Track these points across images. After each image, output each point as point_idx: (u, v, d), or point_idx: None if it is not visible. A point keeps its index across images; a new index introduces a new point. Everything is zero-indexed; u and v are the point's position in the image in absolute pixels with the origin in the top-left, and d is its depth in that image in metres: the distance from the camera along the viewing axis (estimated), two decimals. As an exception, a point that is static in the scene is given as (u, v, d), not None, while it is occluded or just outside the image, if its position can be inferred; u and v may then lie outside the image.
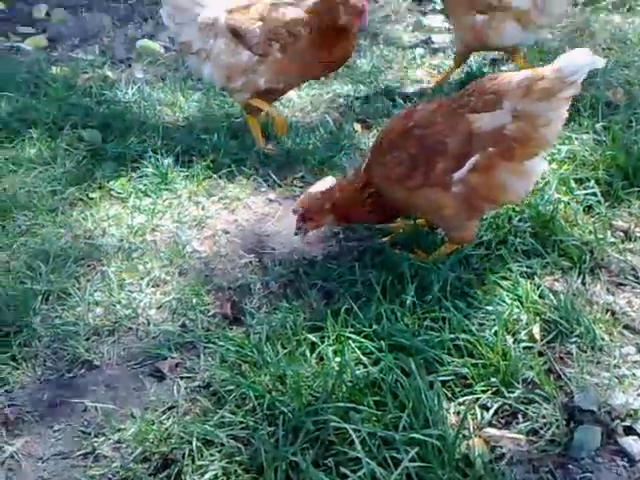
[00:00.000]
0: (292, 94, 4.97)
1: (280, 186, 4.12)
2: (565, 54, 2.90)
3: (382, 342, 2.85)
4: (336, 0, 3.92)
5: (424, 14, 6.14)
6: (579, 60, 2.85)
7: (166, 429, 2.68)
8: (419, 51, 5.47)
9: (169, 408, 2.80)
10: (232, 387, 2.81)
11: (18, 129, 4.58)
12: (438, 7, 6.14)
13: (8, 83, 4.98)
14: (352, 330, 2.93)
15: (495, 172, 2.99)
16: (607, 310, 3.09)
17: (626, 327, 3.02)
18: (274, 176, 4.16)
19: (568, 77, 2.84)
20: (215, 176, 4.17)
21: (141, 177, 4.15)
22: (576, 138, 4.14)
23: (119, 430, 2.71)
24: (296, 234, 3.43)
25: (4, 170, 4.23)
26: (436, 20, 5.98)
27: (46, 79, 5.02)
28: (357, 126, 4.56)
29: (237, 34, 4.17)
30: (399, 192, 3.16)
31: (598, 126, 4.21)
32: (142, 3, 6.66)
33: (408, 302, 3.08)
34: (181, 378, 2.94)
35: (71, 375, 3.01)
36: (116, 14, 6.44)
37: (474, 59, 5.20)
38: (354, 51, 4.61)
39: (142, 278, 3.46)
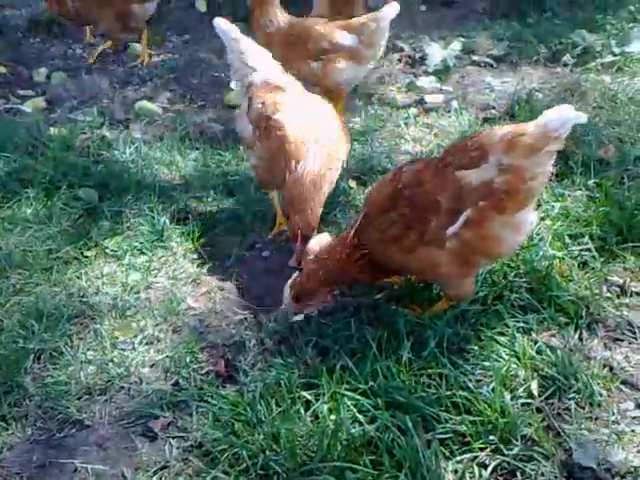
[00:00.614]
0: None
1: (275, 242, 4.13)
2: (550, 110, 2.95)
3: (378, 399, 2.82)
4: None
5: (417, 76, 6.24)
6: (563, 115, 2.91)
7: (157, 490, 2.62)
8: (412, 111, 5.54)
9: (161, 468, 2.76)
10: (225, 447, 2.78)
11: (15, 189, 4.60)
12: (430, 70, 6.27)
13: (6, 144, 5.03)
14: (348, 387, 2.91)
15: (487, 225, 3.01)
16: (605, 366, 3.07)
17: (624, 383, 2.99)
18: (270, 233, 4.18)
19: (553, 132, 2.90)
20: (211, 233, 4.18)
21: (137, 235, 4.15)
22: (569, 195, 4.17)
23: (109, 492, 2.65)
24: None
25: (0, 229, 4.24)
26: (429, 81, 6.08)
27: (44, 140, 5.07)
28: (352, 183, 4.59)
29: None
30: (394, 253, 3.17)
31: (590, 183, 4.25)
32: (141, 66, 6.79)
33: (404, 358, 3.06)
34: (173, 438, 2.90)
35: (62, 435, 2.97)
36: (115, 77, 6.54)
37: (468, 118, 5.28)
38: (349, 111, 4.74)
39: (135, 336, 3.44)
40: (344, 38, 5.25)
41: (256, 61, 4.33)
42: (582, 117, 2.93)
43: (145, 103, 5.94)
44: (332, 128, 3.93)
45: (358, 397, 2.86)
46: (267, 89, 4.14)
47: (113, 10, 6.49)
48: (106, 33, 6.96)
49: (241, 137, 4.37)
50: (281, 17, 5.49)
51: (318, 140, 3.78)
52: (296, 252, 3.62)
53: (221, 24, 4.45)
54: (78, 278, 3.85)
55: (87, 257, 4.03)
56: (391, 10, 5.10)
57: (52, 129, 5.38)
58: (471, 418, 2.78)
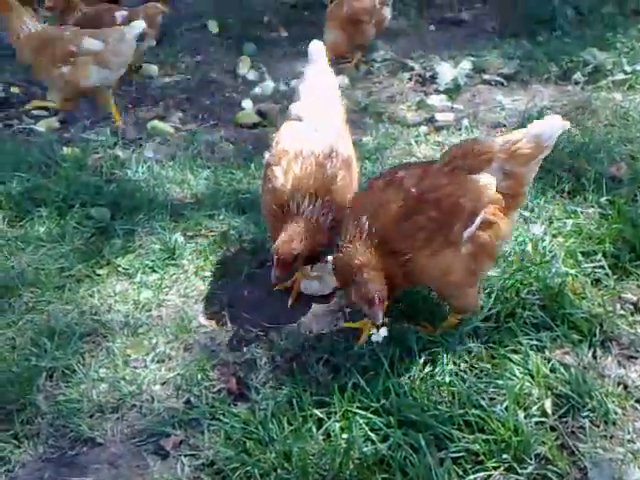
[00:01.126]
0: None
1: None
2: (539, 121, 3.28)
3: (391, 417, 2.81)
4: None
5: (427, 94, 6.26)
6: (553, 126, 3.23)
7: (169, 509, 2.61)
8: (423, 129, 5.55)
9: (173, 487, 2.74)
10: (237, 465, 2.77)
11: (28, 208, 4.63)
12: (441, 88, 6.29)
13: (20, 164, 5.07)
14: (359, 405, 2.89)
15: (496, 227, 3.17)
16: (619, 383, 3.05)
17: (639, 401, 2.96)
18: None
19: (545, 142, 3.21)
20: (222, 251, 4.18)
21: (148, 253, 4.17)
22: (581, 212, 4.16)
23: (121, 510, 2.64)
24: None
25: (12, 248, 4.26)
26: (439, 100, 6.10)
27: (57, 159, 5.11)
28: (363, 202, 4.59)
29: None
30: (420, 258, 3.12)
31: (603, 200, 4.23)
32: (153, 87, 6.85)
33: (416, 376, 3.04)
34: (185, 456, 2.89)
35: (73, 453, 2.96)
36: (128, 97, 6.61)
37: (478, 135, 5.28)
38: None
39: (147, 354, 3.44)
40: (91, 43, 5.78)
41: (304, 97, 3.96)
42: (566, 124, 3.29)
43: (157, 123, 5.98)
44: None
45: (370, 415, 2.85)
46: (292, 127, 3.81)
47: None
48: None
49: None
50: (32, 23, 5.97)
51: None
52: (273, 275, 3.50)
53: (316, 48, 4.16)
54: (90, 296, 3.86)
55: (99, 275, 4.04)
56: (135, 27, 5.93)
57: (65, 149, 5.42)
58: (484, 437, 2.76)
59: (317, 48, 4.13)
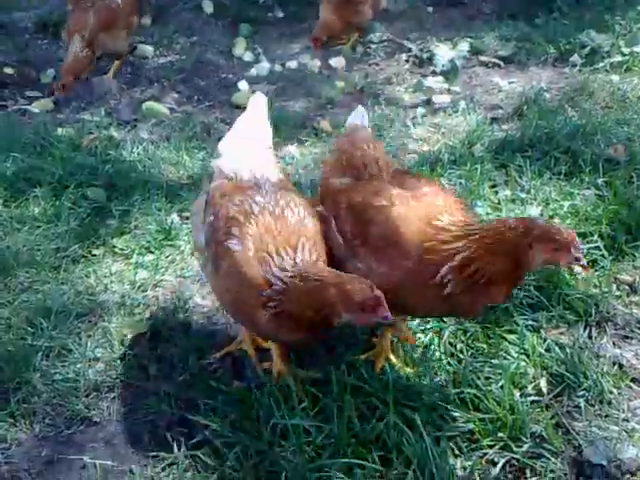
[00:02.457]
0: (294, 151, 5.03)
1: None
2: None
3: (387, 396, 2.80)
4: None
5: (424, 76, 6.23)
6: None
7: (165, 486, 2.62)
8: (420, 111, 5.52)
9: (169, 465, 2.75)
10: (233, 443, 2.76)
11: (23, 188, 4.61)
12: (438, 70, 6.26)
13: (14, 144, 5.04)
14: (356, 384, 2.89)
15: None
16: (614, 363, 3.06)
17: (634, 380, 2.99)
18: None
19: None
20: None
21: (144, 234, 4.16)
22: (578, 194, 4.16)
23: (117, 487, 2.65)
24: None
25: (8, 228, 4.24)
26: (436, 82, 6.07)
27: (52, 140, 5.07)
28: (359, 183, 4.58)
29: None
30: None
31: (600, 182, 4.23)
32: (148, 67, 6.81)
33: (412, 355, 3.05)
34: (181, 434, 2.89)
35: (70, 431, 2.97)
36: (123, 78, 6.56)
37: (475, 118, 5.26)
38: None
39: (144, 334, 3.44)
40: None
41: (230, 139, 3.33)
42: None
43: (152, 104, 5.94)
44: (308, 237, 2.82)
45: (367, 394, 2.85)
46: (227, 188, 3.05)
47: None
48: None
49: (194, 243, 3.40)
50: None
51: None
52: None
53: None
54: (86, 276, 3.86)
55: (95, 255, 4.03)
56: None
57: (60, 129, 5.40)
58: (480, 415, 2.77)
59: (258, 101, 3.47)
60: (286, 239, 2.76)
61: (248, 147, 3.23)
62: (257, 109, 3.42)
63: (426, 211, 2.77)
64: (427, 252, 2.65)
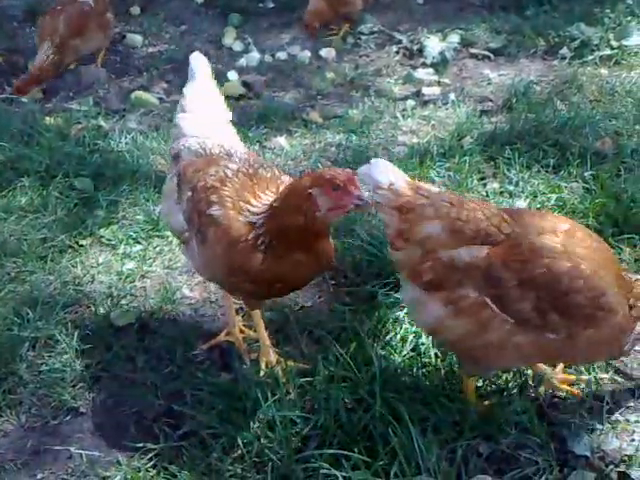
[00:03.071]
0: (284, 143, 5.01)
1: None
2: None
3: (373, 388, 2.81)
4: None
5: (414, 68, 6.22)
6: None
7: (152, 477, 2.63)
8: (410, 103, 5.52)
9: (155, 455, 2.75)
10: (220, 434, 2.77)
11: (10, 178, 4.59)
12: (428, 62, 6.25)
13: (2, 133, 5.01)
14: (343, 375, 2.89)
15: None
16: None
17: (618, 372, 2.99)
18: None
19: None
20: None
21: (132, 224, 4.14)
22: (566, 186, 4.17)
23: (104, 478, 2.67)
24: None
25: (-5, 218, 4.23)
26: (426, 73, 6.06)
27: (39, 129, 5.05)
28: (349, 175, 4.57)
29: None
30: None
31: (587, 175, 4.25)
32: (137, 57, 6.77)
33: (399, 347, 3.06)
34: (168, 425, 2.89)
35: (56, 422, 2.97)
36: (111, 67, 6.52)
37: (465, 110, 5.27)
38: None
39: (131, 325, 3.43)
40: None
41: (188, 118, 3.32)
42: None
43: (141, 93, 5.92)
44: None
45: (353, 386, 2.86)
46: (200, 164, 3.07)
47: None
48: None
49: (171, 228, 3.33)
50: None
51: None
52: None
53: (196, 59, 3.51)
54: (73, 267, 3.84)
55: (82, 246, 4.02)
56: None
57: (47, 118, 5.36)
58: (465, 406, 2.78)
59: (198, 61, 3.49)
60: (263, 188, 2.88)
61: (211, 123, 3.30)
62: (203, 75, 3.44)
63: None
64: None
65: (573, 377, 2.94)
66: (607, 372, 2.99)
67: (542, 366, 2.92)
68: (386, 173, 2.71)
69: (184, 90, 3.44)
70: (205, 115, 3.33)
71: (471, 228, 2.55)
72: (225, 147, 3.14)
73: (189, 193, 3.00)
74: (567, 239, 2.53)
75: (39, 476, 2.73)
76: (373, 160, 2.80)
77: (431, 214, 2.60)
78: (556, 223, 2.61)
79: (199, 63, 3.48)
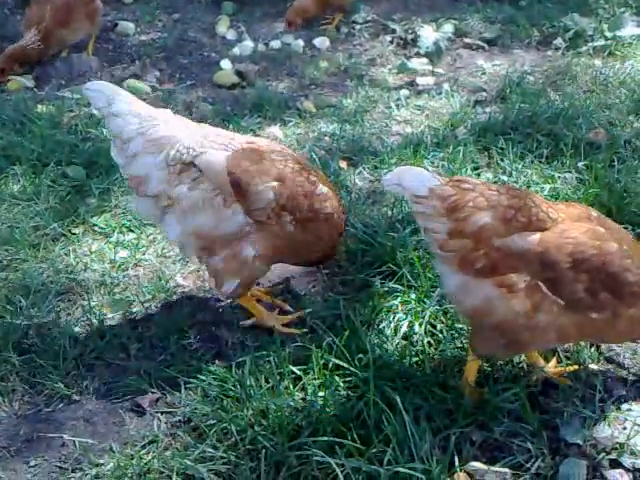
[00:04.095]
0: (278, 132, 5.00)
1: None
2: None
3: (367, 375, 2.82)
4: None
5: (408, 58, 6.22)
6: None
7: (146, 464, 2.62)
8: (404, 92, 5.52)
9: (149, 443, 2.75)
10: (213, 422, 2.78)
11: (2, 166, 4.56)
12: (422, 52, 6.25)
13: (-7, 121, 5.00)
14: (336, 363, 2.90)
15: None
16: (591, 345, 3.08)
17: (610, 361, 3.01)
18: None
19: None
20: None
21: (125, 213, 4.13)
22: (559, 177, 4.18)
23: (97, 465, 2.65)
24: None
25: (-14, 206, 4.21)
26: (420, 63, 6.06)
27: (31, 117, 5.02)
28: (343, 163, 4.58)
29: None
30: None
31: (580, 165, 4.26)
32: (130, 45, 6.74)
33: (393, 336, 3.07)
34: (161, 413, 2.90)
35: (49, 410, 2.95)
36: (104, 55, 6.50)
37: (459, 100, 5.26)
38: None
39: (124, 313, 3.42)
40: None
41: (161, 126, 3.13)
42: None
43: (134, 82, 5.89)
44: None
45: (346, 373, 2.86)
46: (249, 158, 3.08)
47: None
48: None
49: (218, 235, 3.08)
50: None
51: None
52: None
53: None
54: (66, 255, 3.83)
55: (75, 234, 4.00)
56: None
57: (39, 106, 5.33)
58: (458, 394, 2.79)
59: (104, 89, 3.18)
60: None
61: (184, 124, 3.22)
62: (120, 94, 3.20)
63: None
64: None
65: (567, 368, 2.96)
66: (599, 361, 3.00)
67: (536, 356, 2.94)
68: (419, 180, 2.67)
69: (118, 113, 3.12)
70: (168, 119, 3.19)
71: (523, 215, 2.60)
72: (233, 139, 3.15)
73: (270, 184, 3.02)
74: (601, 224, 2.65)
75: (32, 463, 2.72)
76: (396, 170, 2.76)
77: (484, 205, 2.61)
78: (584, 210, 2.73)
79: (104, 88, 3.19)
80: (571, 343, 2.98)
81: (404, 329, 3.11)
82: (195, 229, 3.04)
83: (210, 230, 3.03)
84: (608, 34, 6.10)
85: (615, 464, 2.56)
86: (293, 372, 2.91)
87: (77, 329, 3.33)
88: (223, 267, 3.10)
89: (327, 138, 4.93)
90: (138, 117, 3.13)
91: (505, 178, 4.19)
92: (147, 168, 3.07)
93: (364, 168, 4.48)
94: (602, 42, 6.02)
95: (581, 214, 2.68)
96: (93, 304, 3.45)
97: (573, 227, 2.60)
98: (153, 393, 2.98)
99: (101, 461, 2.66)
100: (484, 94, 5.47)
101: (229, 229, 3.03)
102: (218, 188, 3.01)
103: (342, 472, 2.47)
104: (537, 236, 2.58)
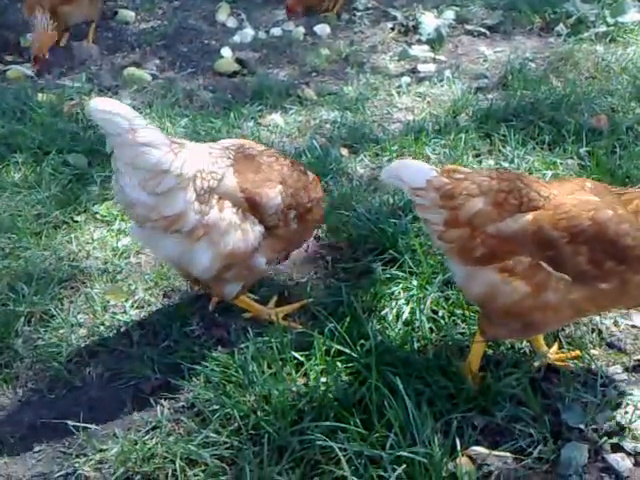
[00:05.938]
0: (279, 120, 4.99)
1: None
2: None
3: (368, 361, 2.83)
4: None
5: (410, 45, 6.19)
6: None
7: (149, 449, 2.64)
8: (405, 79, 5.50)
9: (152, 428, 2.77)
10: (216, 407, 2.79)
11: (3, 154, 4.57)
12: (424, 39, 6.22)
13: (-6, 109, 4.99)
14: (338, 349, 2.91)
15: None
16: (593, 330, 3.09)
17: (612, 346, 3.02)
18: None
19: None
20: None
21: (127, 200, 4.12)
22: (561, 163, 4.18)
23: (101, 450, 2.67)
24: None
25: (-12, 194, 4.21)
26: (422, 50, 6.04)
27: (32, 105, 5.01)
28: (344, 151, 4.57)
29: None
30: None
31: (582, 151, 4.26)
32: (130, 33, 6.72)
33: (394, 322, 3.07)
34: (165, 399, 2.91)
35: (53, 396, 2.97)
36: (104, 44, 6.48)
37: (460, 87, 5.25)
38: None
39: (126, 300, 3.44)
40: None
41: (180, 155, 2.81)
42: None
43: (134, 70, 5.88)
44: None
45: (348, 359, 2.87)
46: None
47: None
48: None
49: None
50: None
51: None
52: None
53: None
54: (68, 242, 3.83)
55: (77, 222, 4.01)
56: None
57: (40, 95, 5.32)
58: (460, 379, 2.80)
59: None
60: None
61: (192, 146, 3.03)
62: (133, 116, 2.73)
63: None
64: None
65: (568, 353, 2.97)
66: (600, 347, 3.01)
67: (540, 342, 2.95)
68: (416, 172, 2.69)
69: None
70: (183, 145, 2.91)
71: (514, 197, 2.60)
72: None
73: (277, 189, 3.04)
74: (596, 193, 2.62)
75: (36, 449, 2.74)
76: (394, 163, 2.79)
77: (476, 191, 2.62)
78: (578, 182, 2.72)
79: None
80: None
81: (406, 315, 3.12)
82: (231, 249, 2.93)
83: (240, 246, 2.96)
84: (610, 20, 6.06)
85: (616, 448, 2.57)
86: (295, 358, 2.92)
87: (80, 316, 3.34)
88: (233, 276, 3.06)
89: (328, 126, 4.92)
90: (166, 145, 2.77)
91: (507, 165, 4.19)
92: (184, 204, 2.81)
93: (365, 156, 4.48)
94: (604, 28, 5.98)
95: (574, 187, 2.66)
96: (95, 291, 3.46)
97: (565, 201, 2.59)
98: (156, 379, 3.00)
99: (105, 447, 2.68)
100: (486, 81, 5.45)
101: (253, 241, 3.00)
102: (236, 205, 2.95)
103: (344, 456, 2.48)
104: (530, 216, 2.57)
